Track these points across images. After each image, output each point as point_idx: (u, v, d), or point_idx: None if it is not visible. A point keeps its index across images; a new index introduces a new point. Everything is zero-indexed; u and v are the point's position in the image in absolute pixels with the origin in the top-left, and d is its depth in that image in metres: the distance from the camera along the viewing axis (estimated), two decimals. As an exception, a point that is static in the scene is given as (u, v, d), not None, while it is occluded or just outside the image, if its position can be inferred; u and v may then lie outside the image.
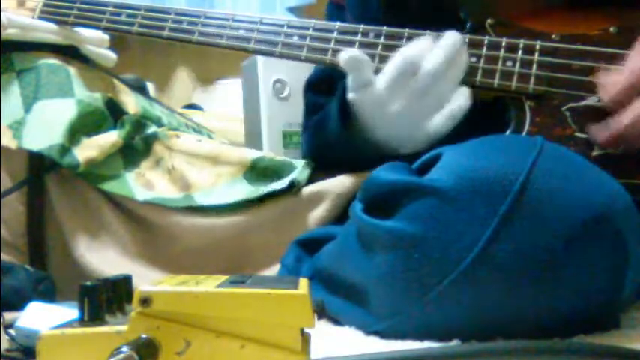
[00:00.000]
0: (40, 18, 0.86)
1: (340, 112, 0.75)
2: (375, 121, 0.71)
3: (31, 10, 0.86)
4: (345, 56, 0.69)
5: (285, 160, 0.83)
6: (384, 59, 0.70)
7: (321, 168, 0.82)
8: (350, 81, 0.70)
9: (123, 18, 0.83)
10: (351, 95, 0.70)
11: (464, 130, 0.66)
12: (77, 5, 0.85)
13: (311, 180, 0.81)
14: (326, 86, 0.86)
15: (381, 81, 0.68)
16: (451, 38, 0.67)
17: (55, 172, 0.81)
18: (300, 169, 0.80)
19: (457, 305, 0.49)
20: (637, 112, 0.60)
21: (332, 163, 0.81)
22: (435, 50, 0.67)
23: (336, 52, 0.73)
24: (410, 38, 0.70)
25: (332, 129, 0.77)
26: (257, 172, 0.82)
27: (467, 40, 0.68)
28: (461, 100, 0.67)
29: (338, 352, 0.41)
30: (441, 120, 0.67)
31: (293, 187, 0.79)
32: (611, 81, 0.62)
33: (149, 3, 0.83)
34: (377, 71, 0.70)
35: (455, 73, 0.67)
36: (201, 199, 0.80)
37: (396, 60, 0.68)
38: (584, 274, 0.48)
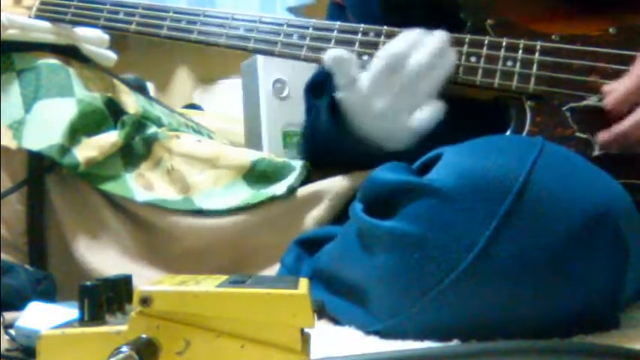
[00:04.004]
0: (37, 17, 0.85)
1: (329, 111, 0.75)
2: (361, 118, 0.71)
3: (27, 8, 0.86)
4: (330, 55, 0.69)
5: (284, 162, 0.83)
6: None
7: (318, 169, 0.82)
8: (336, 80, 0.70)
9: (121, 16, 0.82)
10: (338, 94, 0.71)
11: (464, 130, 0.66)
12: (74, 3, 0.85)
13: (310, 180, 0.81)
14: (324, 89, 0.86)
15: (365, 78, 0.68)
16: (438, 36, 0.67)
17: (55, 172, 0.81)
18: (297, 174, 0.81)
19: (457, 305, 0.48)
20: None
21: (327, 164, 0.81)
22: (421, 48, 0.67)
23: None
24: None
25: (323, 128, 0.77)
26: (256, 174, 0.82)
27: (467, 40, 0.68)
28: (436, 104, 0.66)
29: (338, 352, 0.41)
30: (422, 116, 0.67)
31: (291, 192, 0.79)
32: (616, 85, 0.62)
33: (147, 1, 0.83)
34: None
35: (439, 72, 0.67)
36: (201, 201, 0.80)
37: (381, 56, 0.68)
38: (584, 274, 0.48)
